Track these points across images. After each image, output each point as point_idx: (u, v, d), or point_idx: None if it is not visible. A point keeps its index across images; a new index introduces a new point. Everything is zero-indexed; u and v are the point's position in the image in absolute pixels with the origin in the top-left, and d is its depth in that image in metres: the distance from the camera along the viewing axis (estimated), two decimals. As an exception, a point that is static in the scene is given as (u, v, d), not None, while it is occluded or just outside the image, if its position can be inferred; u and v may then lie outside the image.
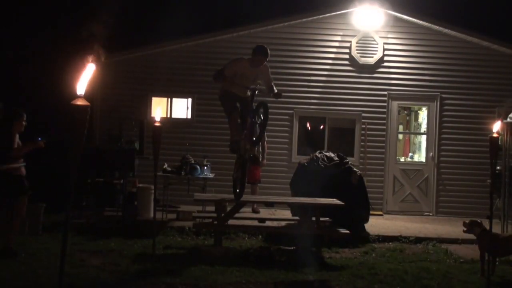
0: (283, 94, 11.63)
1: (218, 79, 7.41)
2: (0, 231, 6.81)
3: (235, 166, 7.61)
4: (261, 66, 7.28)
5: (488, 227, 6.37)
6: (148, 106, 11.63)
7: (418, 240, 8.84)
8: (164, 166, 9.91)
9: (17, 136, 6.94)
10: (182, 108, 11.77)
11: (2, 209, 6.82)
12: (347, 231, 7.74)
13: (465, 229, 6.96)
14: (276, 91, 7.32)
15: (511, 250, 6.81)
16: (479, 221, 6.90)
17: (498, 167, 8.88)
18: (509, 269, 7.08)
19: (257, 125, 7.26)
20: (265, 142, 10.52)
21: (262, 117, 7.12)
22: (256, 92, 7.27)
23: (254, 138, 7.20)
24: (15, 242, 6.89)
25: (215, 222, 7.80)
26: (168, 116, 11.61)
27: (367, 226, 9.15)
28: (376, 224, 9.74)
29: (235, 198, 7.60)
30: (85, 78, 3.55)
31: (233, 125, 7.26)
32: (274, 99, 11.43)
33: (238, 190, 7.45)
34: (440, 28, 11.69)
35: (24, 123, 6.98)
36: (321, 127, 11.83)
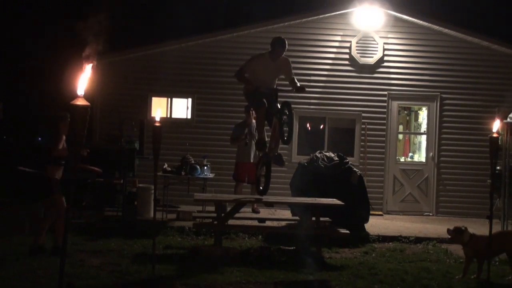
0: (284, 94, 11.68)
1: (240, 80, 7.44)
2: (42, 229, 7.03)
3: (257, 164, 7.61)
4: (281, 59, 7.32)
5: (488, 227, 6.38)
6: (148, 106, 11.62)
7: (418, 240, 8.85)
8: (164, 166, 9.91)
9: (64, 138, 7.05)
10: (182, 108, 11.76)
11: (44, 210, 7.14)
12: (347, 231, 7.75)
13: (450, 236, 6.78)
14: (298, 85, 7.32)
15: (498, 250, 6.73)
16: (463, 228, 6.73)
17: (498, 167, 8.88)
18: (509, 269, 7.06)
19: (285, 124, 7.26)
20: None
21: (287, 117, 7.13)
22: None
23: (285, 138, 7.22)
24: (61, 242, 6.96)
25: (215, 222, 7.81)
26: (168, 116, 11.60)
27: (367, 226, 9.16)
28: (376, 224, 9.74)
29: (259, 195, 7.65)
30: (84, 78, 3.55)
31: (260, 123, 7.29)
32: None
33: (261, 188, 7.44)
34: (440, 28, 11.69)
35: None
36: (321, 127, 11.83)
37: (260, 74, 7.21)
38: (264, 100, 7.17)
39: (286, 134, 7.17)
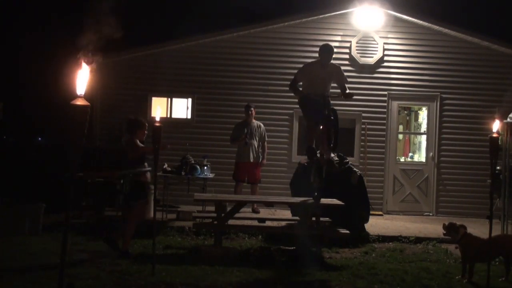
0: (284, 94, 11.71)
1: (293, 92, 7.73)
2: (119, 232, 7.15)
3: (313, 173, 7.71)
4: (331, 65, 7.53)
5: (487, 227, 6.38)
6: (148, 106, 11.63)
7: (418, 240, 8.84)
8: (164, 166, 9.91)
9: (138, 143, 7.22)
10: (182, 108, 11.77)
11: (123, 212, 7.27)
12: (347, 231, 7.74)
13: (444, 232, 6.76)
14: (347, 91, 7.49)
15: (494, 254, 6.68)
16: (457, 224, 6.69)
17: (498, 167, 8.88)
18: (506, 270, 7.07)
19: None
20: (265, 142, 10.53)
21: (334, 124, 7.33)
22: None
23: (331, 144, 7.39)
24: (130, 244, 7.15)
25: (215, 222, 7.80)
26: (168, 116, 11.61)
27: (367, 226, 9.15)
28: (376, 224, 9.75)
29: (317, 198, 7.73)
30: (84, 78, 3.55)
31: (311, 132, 7.40)
32: (272, 99, 11.58)
33: (316, 193, 7.63)
34: (440, 28, 11.69)
35: (145, 132, 7.26)
36: (321, 127, 11.80)
37: (312, 82, 7.42)
38: (317, 109, 7.32)
39: (332, 141, 7.42)
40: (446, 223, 6.80)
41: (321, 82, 7.45)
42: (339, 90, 7.68)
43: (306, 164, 9.34)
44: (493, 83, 11.67)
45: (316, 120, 7.36)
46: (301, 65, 11.51)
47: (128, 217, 7.17)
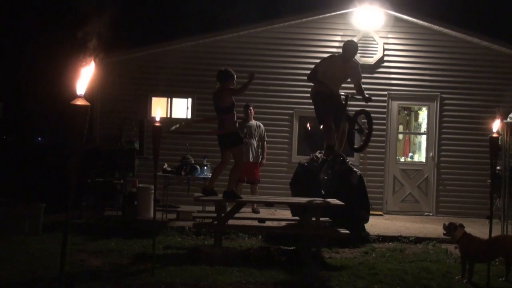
0: (284, 94, 11.71)
1: (313, 81, 7.68)
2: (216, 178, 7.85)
3: (324, 171, 7.76)
4: (352, 62, 7.57)
5: (488, 227, 6.38)
6: (148, 106, 11.63)
7: (418, 240, 8.84)
8: (164, 166, 9.91)
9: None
10: (182, 108, 11.76)
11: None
12: (347, 231, 7.74)
13: (444, 231, 6.76)
14: (367, 95, 7.61)
15: (494, 255, 6.68)
16: (457, 224, 6.71)
17: (498, 167, 8.88)
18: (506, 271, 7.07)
19: (355, 132, 7.53)
20: (265, 142, 10.53)
21: (367, 127, 7.42)
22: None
23: (355, 146, 7.55)
24: (232, 188, 7.72)
25: (215, 222, 7.80)
26: (168, 116, 11.60)
27: (367, 226, 9.15)
28: (376, 224, 9.74)
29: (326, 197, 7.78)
30: (84, 78, 3.55)
31: (328, 130, 7.43)
32: (272, 99, 11.58)
33: (323, 192, 7.75)
34: (440, 28, 11.69)
35: (234, 82, 7.63)
36: (321, 127, 11.79)
37: (330, 75, 7.43)
38: (331, 106, 7.38)
39: (361, 143, 7.63)
40: (446, 223, 6.81)
41: (338, 77, 7.50)
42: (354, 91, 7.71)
43: (306, 164, 9.35)
44: (493, 83, 11.66)
45: (326, 120, 7.40)
46: (301, 65, 11.66)
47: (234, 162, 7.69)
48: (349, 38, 11.62)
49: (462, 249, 6.59)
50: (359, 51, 11.60)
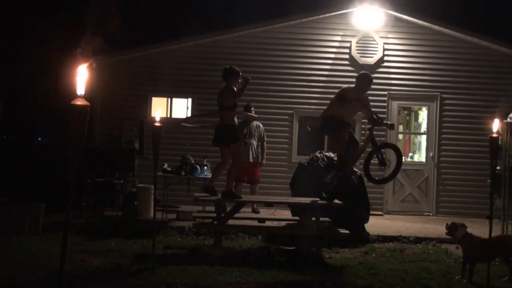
0: (284, 94, 11.71)
1: (342, 103, 7.54)
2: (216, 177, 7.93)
3: (328, 176, 7.84)
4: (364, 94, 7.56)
5: (488, 227, 6.37)
6: (148, 106, 11.62)
7: (418, 240, 8.84)
8: (164, 166, 9.91)
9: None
10: (182, 108, 11.76)
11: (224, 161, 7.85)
12: (347, 231, 7.74)
13: (447, 231, 6.79)
14: (390, 123, 7.83)
15: (495, 255, 6.68)
16: (459, 224, 6.72)
17: (498, 167, 8.88)
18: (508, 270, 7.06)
19: (380, 162, 7.67)
20: (265, 142, 10.53)
21: (396, 162, 7.54)
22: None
23: (376, 178, 7.84)
24: (230, 187, 7.79)
25: (215, 222, 7.80)
26: (168, 116, 11.60)
27: (367, 226, 9.15)
28: (376, 224, 9.74)
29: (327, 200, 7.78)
30: (84, 78, 3.55)
31: (343, 141, 7.39)
32: (272, 99, 11.58)
33: (324, 194, 7.80)
34: (440, 28, 11.68)
35: (239, 80, 7.63)
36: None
37: (346, 108, 7.38)
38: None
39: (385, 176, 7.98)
40: (449, 223, 6.83)
41: (353, 108, 7.49)
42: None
43: (306, 164, 9.34)
44: (493, 83, 11.66)
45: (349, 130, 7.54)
46: (301, 65, 11.67)
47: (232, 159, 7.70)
48: (349, 39, 11.69)
49: (464, 249, 6.60)
50: (359, 51, 11.69)
